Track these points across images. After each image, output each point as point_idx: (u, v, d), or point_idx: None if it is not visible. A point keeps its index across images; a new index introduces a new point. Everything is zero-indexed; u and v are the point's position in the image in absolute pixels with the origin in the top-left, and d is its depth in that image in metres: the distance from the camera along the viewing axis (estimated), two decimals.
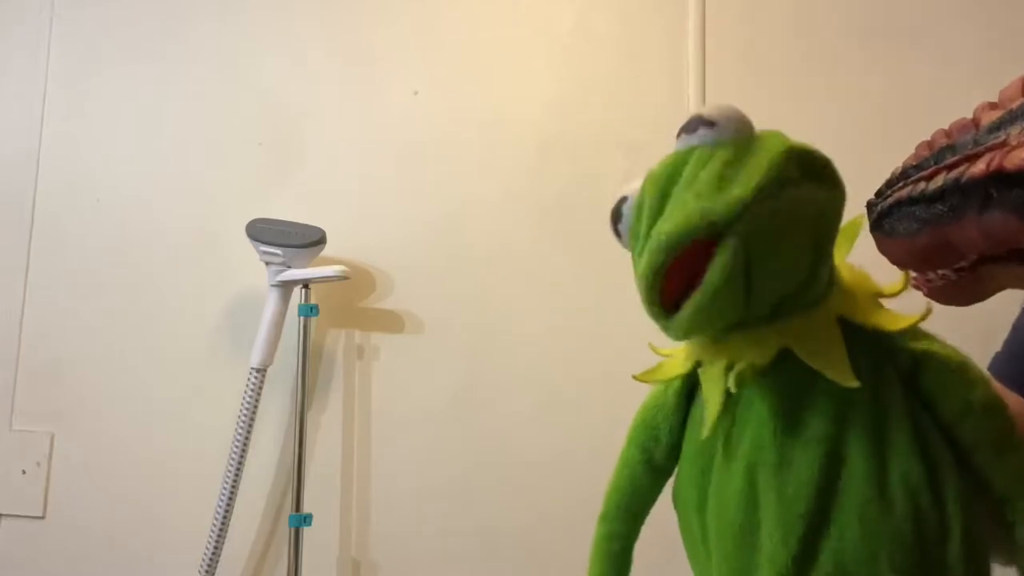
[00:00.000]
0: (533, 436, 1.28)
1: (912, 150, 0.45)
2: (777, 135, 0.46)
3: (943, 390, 0.46)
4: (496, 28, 1.38)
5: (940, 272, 0.46)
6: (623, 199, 0.49)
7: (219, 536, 1.26)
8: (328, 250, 1.32)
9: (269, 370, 1.30)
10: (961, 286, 0.45)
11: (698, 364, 0.51)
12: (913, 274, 0.48)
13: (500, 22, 1.38)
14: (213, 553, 1.26)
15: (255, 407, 1.29)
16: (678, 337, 0.48)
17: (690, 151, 0.46)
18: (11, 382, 1.45)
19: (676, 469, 0.55)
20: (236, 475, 1.27)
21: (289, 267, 1.29)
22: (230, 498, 1.27)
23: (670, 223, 0.43)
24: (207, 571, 1.26)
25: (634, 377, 0.55)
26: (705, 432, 0.49)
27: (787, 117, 1.26)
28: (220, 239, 1.40)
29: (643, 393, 0.57)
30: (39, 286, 1.47)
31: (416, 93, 1.39)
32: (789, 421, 0.46)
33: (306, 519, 1.27)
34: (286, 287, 1.31)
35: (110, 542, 1.38)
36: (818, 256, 0.46)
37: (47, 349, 1.45)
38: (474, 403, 1.31)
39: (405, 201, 1.37)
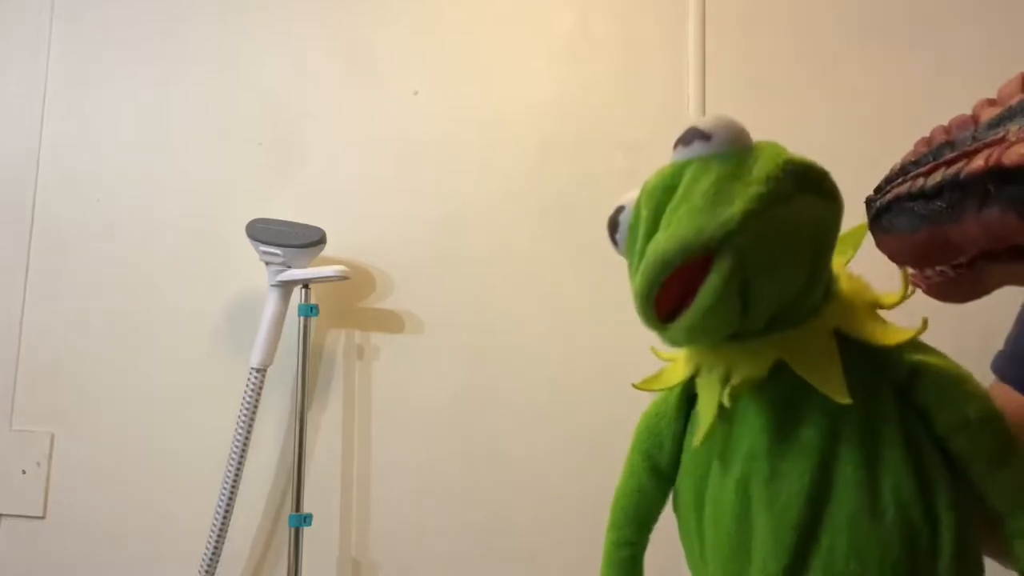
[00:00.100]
0: (533, 436, 1.28)
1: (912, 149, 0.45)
2: (774, 147, 0.46)
3: (939, 402, 0.46)
4: (496, 28, 1.38)
5: (938, 269, 0.45)
6: (620, 209, 0.49)
7: (219, 536, 1.26)
8: (328, 250, 1.32)
9: (269, 370, 1.30)
10: (959, 283, 0.45)
11: (696, 372, 0.51)
12: (911, 271, 0.48)
13: (500, 22, 1.38)
14: (213, 553, 1.26)
15: (255, 407, 1.29)
16: (674, 345, 0.48)
17: (686, 163, 0.46)
18: (11, 382, 1.45)
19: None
20: (236, 475, 1.27)
21: (289, 267, 1.29)
22: (230, 498, 1.27)
23: (665, 241, 0.43)
24: (207, 571, 1.26)
25: (634, 386, 0.55)
26: (696, 443, 0.49)
27: (787, 117, 1.27)
28: (220, 239, 1.40)
29: (642, 393, 0.57)
30: (39, 286, 1.47)
31: (416, 93, 1.39)
32: (782, 433, 0.46)
33: (306, 519, 1.26)
34: (286, 287, 1.31)
35: (110, 542, 1.38)
36: (815, 268, 0.46)
37: (47, 349, 1.45)
38: (474, 403, 1.31)
39: (405, 201, 1.37)
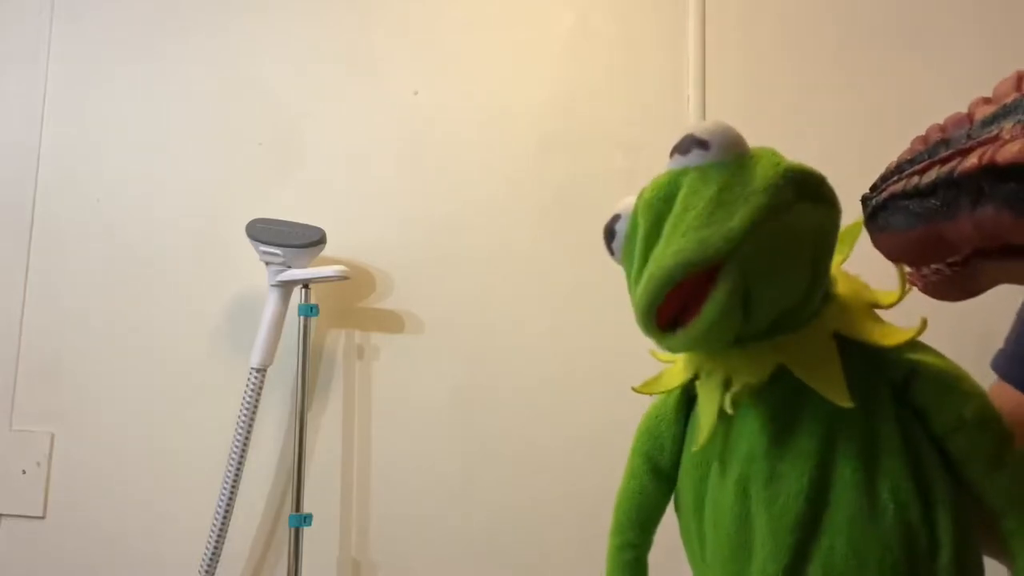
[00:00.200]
0: (533, 436, 1.28)
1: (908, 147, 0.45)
2: (771, 155, 0.46)
3: (936, 403, 0.46)
4: (496, 28, 1.38)
5: (934, 267, 0.45)
6: (616, 217, 0.48)
7: (219, 536, 1.26)
8: (328, 250, 1.32)
9: (269, 370, 1.30)
10: (955, 281, 0.44)
11: (696, 375, 0.51)
12: (908, 269, 0.48)
13: (500, 22, 1.38)
14: (213, 553, 1.26)
15: (255, 407, 1.29)
16: (673, 353, 0.48)
17: (683, 172, 0.45)
18: (11, 382, 1.45)
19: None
20: (236, 475, 1.27)
21: (289, 267, 1.29)
22: (230, 498, 1.27)
23: (668, 257, 0.42)
24: (207, 571, 1.26)
25: (634, 389, 0.55)
26: (696, 447, 0.49)
27: (787, 117, 1.26)
28: (220, 239, 1.40)
29: (642, 394, 0.56)
30: (39, 286, 1.47)
31: (416, 93, 1.39)
32: (781, 435, 0.46)
33: (306, 519, 1.27)
34: (286, 287, 1.31)
35: (110, 542, 1.38)
36: (816, 274, 0.46)
37: (47, 349, 1.45)
38: (474, 403, 1.31)
39: (405, 201, 1.37)
